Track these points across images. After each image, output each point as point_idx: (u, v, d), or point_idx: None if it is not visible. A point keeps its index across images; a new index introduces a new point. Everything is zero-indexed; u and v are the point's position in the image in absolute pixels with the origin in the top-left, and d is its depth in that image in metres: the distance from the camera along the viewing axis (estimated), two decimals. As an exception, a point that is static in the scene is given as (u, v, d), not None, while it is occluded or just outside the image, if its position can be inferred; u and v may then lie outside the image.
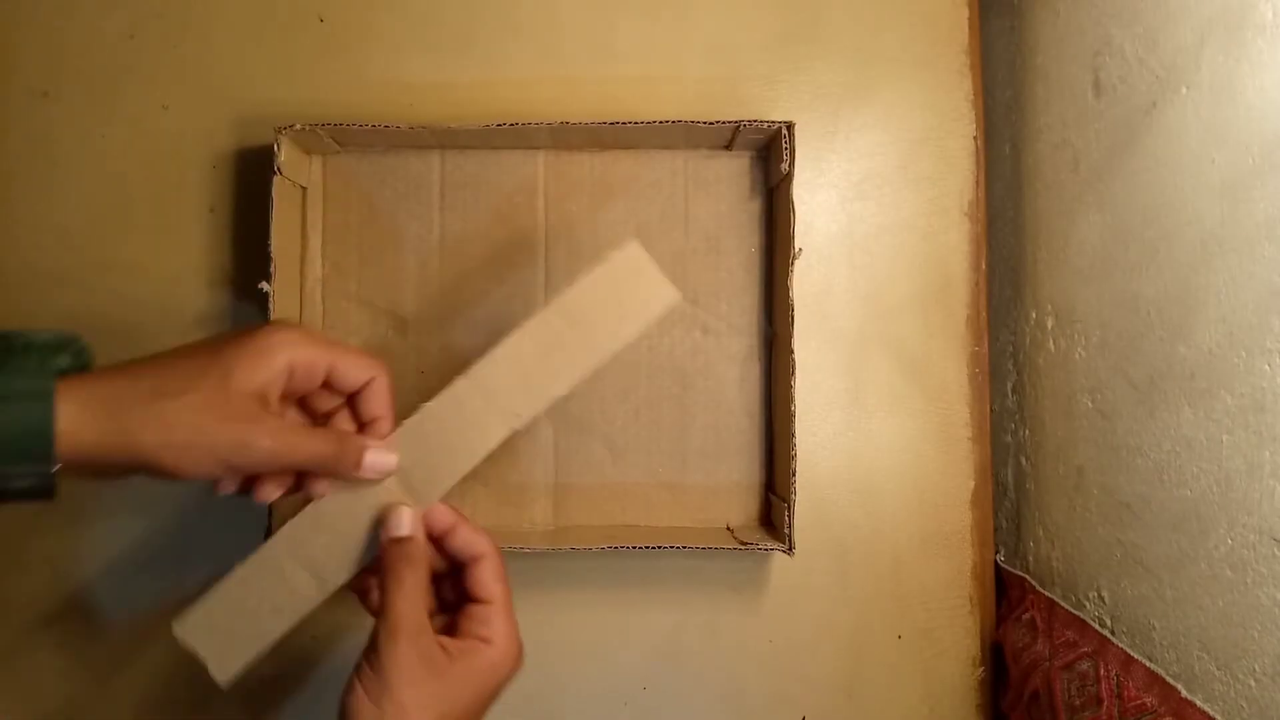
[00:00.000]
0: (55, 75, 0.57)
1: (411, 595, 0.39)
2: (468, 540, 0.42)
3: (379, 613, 0.39)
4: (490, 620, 0.40)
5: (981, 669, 0.57)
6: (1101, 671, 0.46)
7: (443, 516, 0.42)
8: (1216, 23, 0.41)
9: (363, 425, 0.43)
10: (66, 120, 0.57)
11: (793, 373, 0.51)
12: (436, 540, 0.42)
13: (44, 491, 0.36)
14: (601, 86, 0.58)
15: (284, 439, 0.38)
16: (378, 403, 0.42)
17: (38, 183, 0.57)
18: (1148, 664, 0.44)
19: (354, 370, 0.41)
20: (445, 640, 0.39)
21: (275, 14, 0.58)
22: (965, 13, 0.59)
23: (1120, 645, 0.46)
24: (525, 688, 0.56)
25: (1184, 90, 0.43)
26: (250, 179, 0.57)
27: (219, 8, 0.58)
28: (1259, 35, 0.39)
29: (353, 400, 0.43)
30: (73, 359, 0.38)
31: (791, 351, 0.51)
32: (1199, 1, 0.42)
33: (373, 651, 0.38)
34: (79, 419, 0.35)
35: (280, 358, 0.39)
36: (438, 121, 0.53)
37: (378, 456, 0.41)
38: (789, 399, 0.51)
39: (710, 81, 0.58)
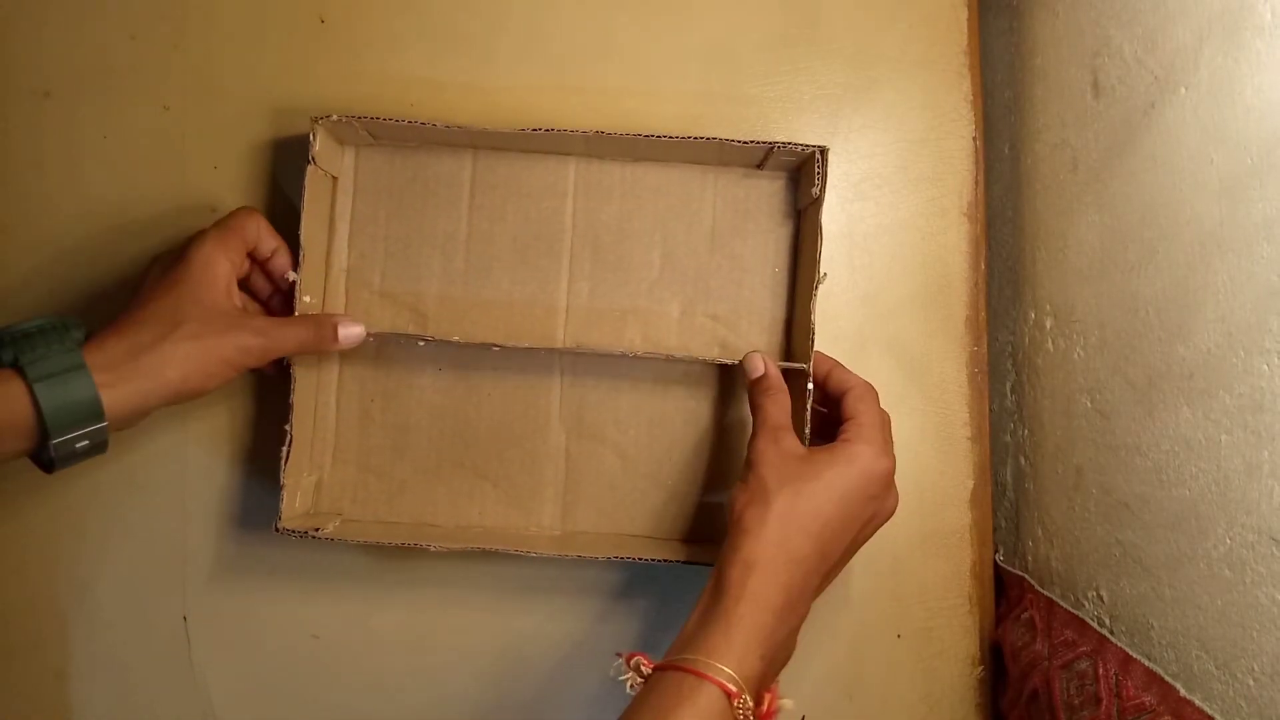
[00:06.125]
0: (56, 75, 0.57)
1: (770, 409, 0.48)
2: (839, 379, 0.50)
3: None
4: (849, 430, 0.46)
5: (981, 668, 0.57)
6: (1100, 671, 0.46)
7: (821, 363, 0.51)
8: (1215, 23, 0.41)
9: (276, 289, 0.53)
10: (67, 120, 0.57)
11: (808, 398, 0.51)
12: (820, 384, 0.51)
13: (100, 447, 0.44)
14: (600, 85, 0.58)
15: (271, 334, 0.48)
16: (286, 260, 0.52)
17: (38, 182, 0.57)
18: (1146, 663, 0.44)
19: (267, 240, 0.51)
20: (812, 447, 0.47)
21: (276, 14, 0.58)
22: (964, 13, 0.59)
23: (1119, 644, 0.46)
24: (525, 690, 0.56)
25: (1183, 91, 0.44)
26: (265, 173, 0.57)
27: (220, 8, 0.58)
28: (1257, 36, 0.39)
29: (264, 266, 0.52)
30: (78, 333, 0.44)
31: (809, 376, 0.51)
32: (1198, 2, 0.43)
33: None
34: (112, 379, 0.42)
35: (221, 265, 0.47)
36: (465, 122, 0.53)
37: (349, 329, 0.50)
38: (803, 422, 0.51)
39: (710, 82, 0.59)
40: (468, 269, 0.57)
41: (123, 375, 0.43)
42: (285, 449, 0.51)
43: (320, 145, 0.52)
